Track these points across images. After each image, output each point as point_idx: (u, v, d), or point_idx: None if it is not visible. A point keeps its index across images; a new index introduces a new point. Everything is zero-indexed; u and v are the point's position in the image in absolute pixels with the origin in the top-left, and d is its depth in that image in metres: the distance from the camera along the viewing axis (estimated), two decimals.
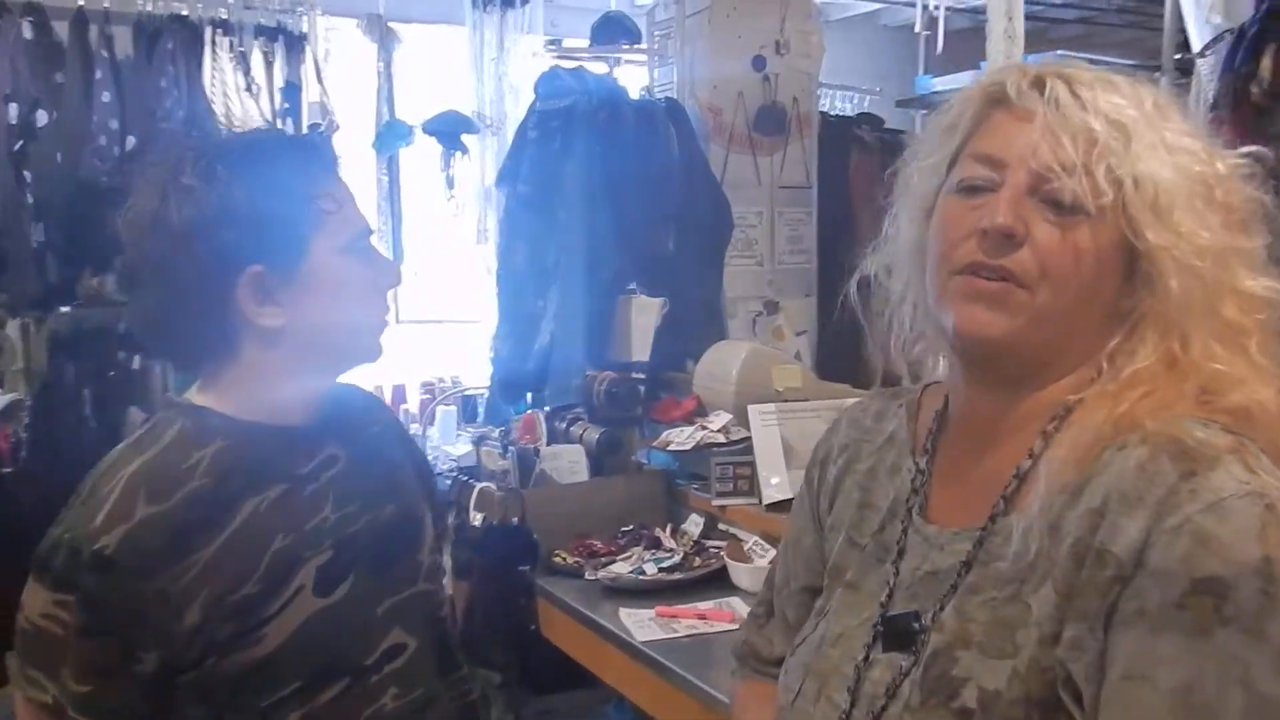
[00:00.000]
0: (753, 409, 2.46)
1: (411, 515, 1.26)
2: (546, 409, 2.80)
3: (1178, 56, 3.91)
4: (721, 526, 2.47)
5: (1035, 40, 5.29)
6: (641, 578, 2.22)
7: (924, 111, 3.88)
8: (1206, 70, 3.11)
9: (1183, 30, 4.31)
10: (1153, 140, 0.80)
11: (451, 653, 1.28)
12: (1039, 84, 0.83)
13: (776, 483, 2.40)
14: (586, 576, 2.25)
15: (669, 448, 2.50)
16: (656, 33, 3.28)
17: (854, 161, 3.38)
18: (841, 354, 3.24)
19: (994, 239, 0.81)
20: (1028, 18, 5.14)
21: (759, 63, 3.13)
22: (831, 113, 3.60)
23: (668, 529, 2.45)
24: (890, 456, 0.98)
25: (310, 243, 1.11)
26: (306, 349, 1.14)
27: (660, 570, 2.24)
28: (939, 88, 4.54)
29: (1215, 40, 3.08)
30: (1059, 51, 4.15)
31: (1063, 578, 0.77)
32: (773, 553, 2.26)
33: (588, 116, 2.81)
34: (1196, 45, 3.18)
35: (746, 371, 2.59)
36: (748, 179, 3.16)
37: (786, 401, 2.53)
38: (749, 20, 3.12)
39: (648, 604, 2.13)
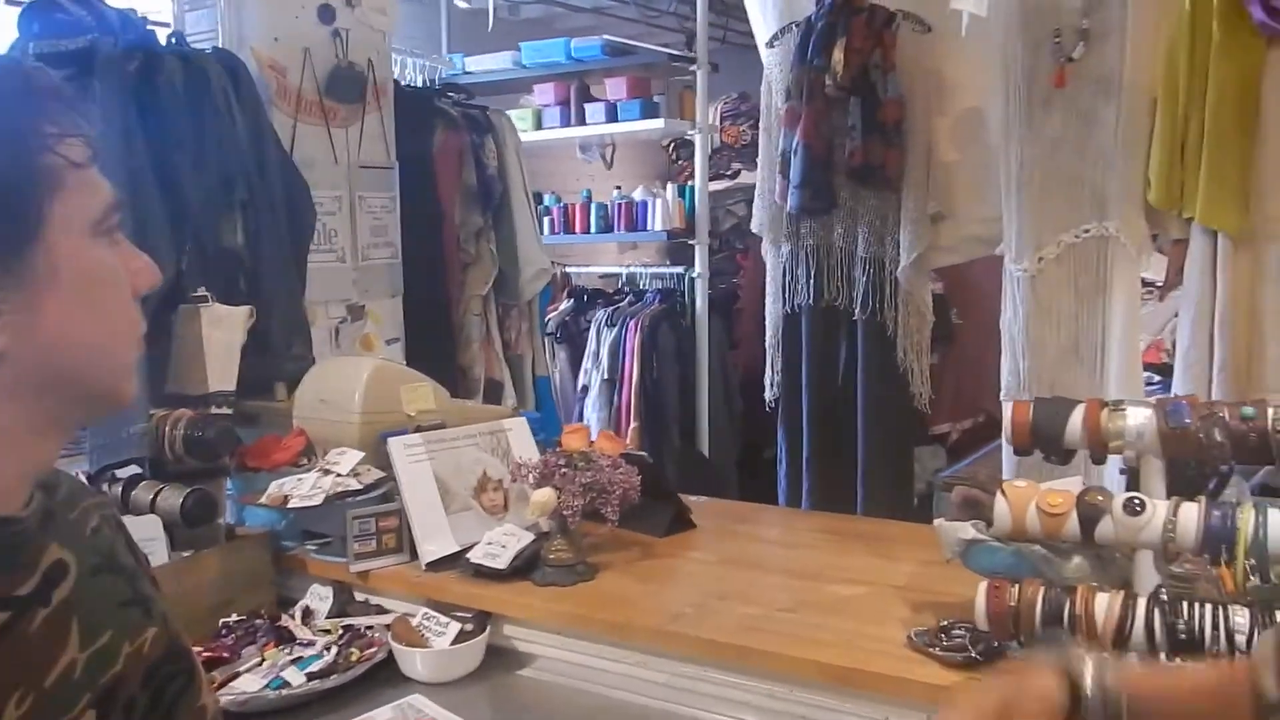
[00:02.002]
0: (395, 442, 1.96)
1: (177, 641, 0.89)
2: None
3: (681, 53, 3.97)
4: (362, 598, 1.94)
5: (540, 29, 5.20)
6: (287, 691, 1.63)
7: (463, 95, 3.45)
8: (775, 61, 3.14)
9: (720, 25, 4.43)
10: None
11: None
12: None
13: (437, 534, 1.93)
14: None
15: (290, 504, 1.90)
16: None
17: (438, 139, 2.93)
18: (433, 364, 2.81)
19: None
20: (536, 3, 5.04)
21: (326, 14, 2.56)
22: (404, 82, 3.10)
23: (297, 613, 1.86)
24: None
25: (46, 216, 0.73)
26: (35, 387, 0.75)
27: (310, 676, 1.66)
28: (473, 68, 4.23)
29: (783, 32, 3.11)
30: (592, 38, 4.05)
31: None
32: (455, 627, 1.81)
33: (113, 66, 2.05)
34: (763, 36, 3.20)
35: (372, 395, 2.08)
36: (322, 156, 2.58)
37: (424, 429, 2.06)
38: None
39: None
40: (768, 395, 3.24)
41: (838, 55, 2.95)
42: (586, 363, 3.99)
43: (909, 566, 1.88)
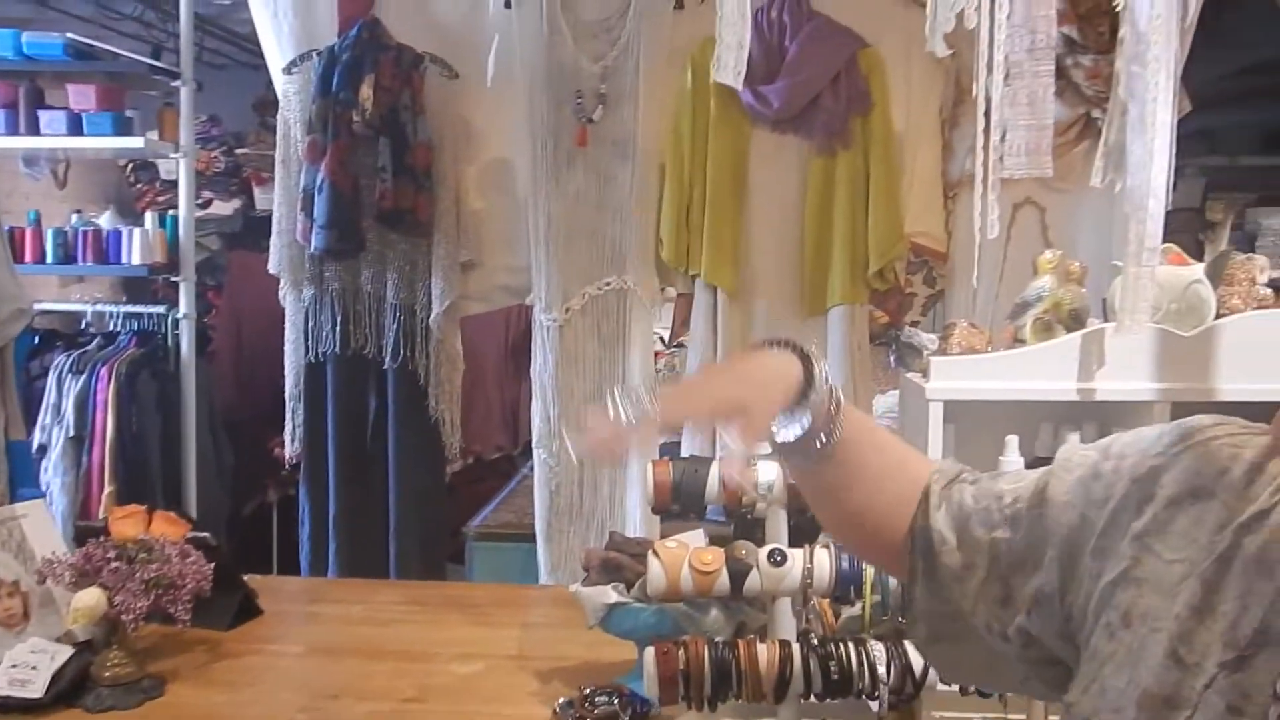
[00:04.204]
0: None
1: None
2: None
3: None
4: None
5: None
6: None
7: None
8: (293, 89, 2.91)
9: (202, 44, 4.02)
10: None
11: None
12: None
13: None
14: None
15: None
16: None
17: None
18: None
19: None
20: None
21: None
22: None
23: None
24: (1258, 541, 0.64)
25: None
26: None
27: None
28: None
29: (302, 59, 2.90)
30: (52, 35, 3.46)
31: None
32: None
33: None
34: (278, 61, 2.95)
35: None
36: None
37: None
38: None
39: None
40: (288, 451, 2.97)
41: (366, 92, 2.82)
42: (44, 417, 3.34)
43: (511, 631, 1.83)
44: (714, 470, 1.49)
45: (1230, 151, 4.87)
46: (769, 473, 1.49)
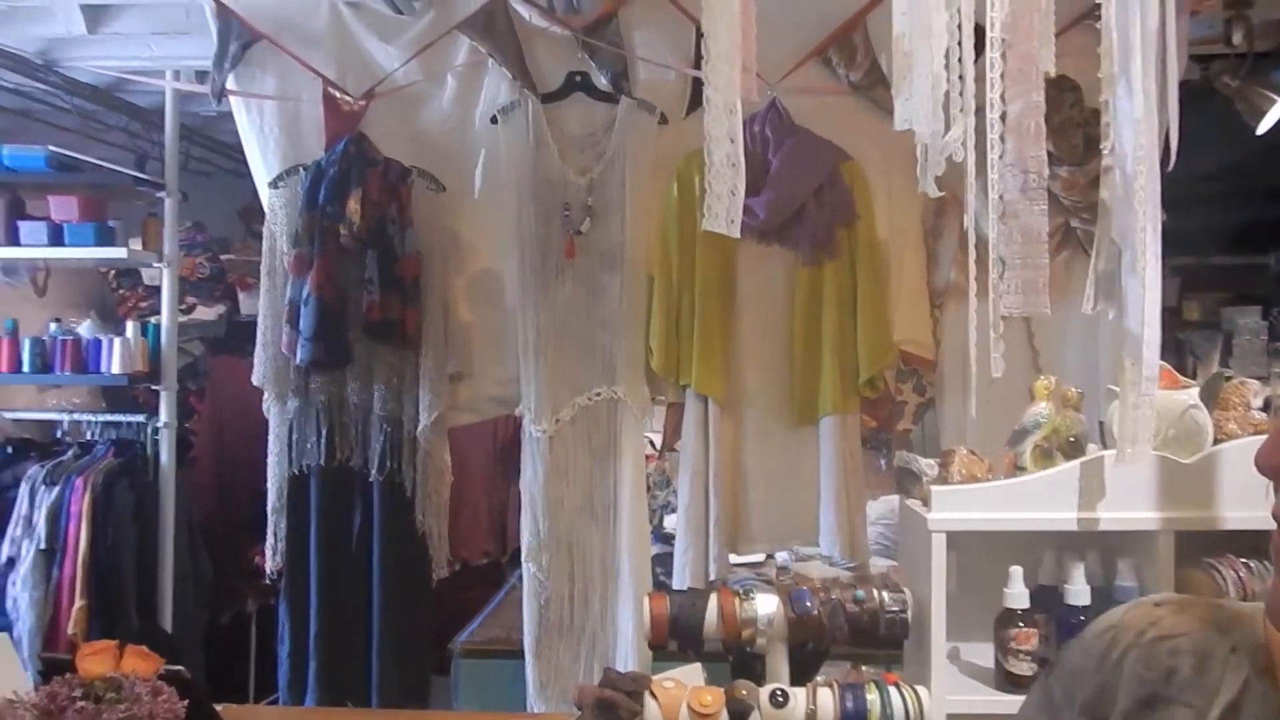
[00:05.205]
0: None
1: None
2: None
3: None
4: None
5: None
6: None
7: None
8: (280, 203, 2.92)
9: (188, 153, 4.06)
10: None
11: None
12: None
13: None
14: None
15: None
16: None
17: None
18: None
19: None
20: None
21: None
22: None
23: None
24: None
25: None
26: None
27: None
28: None
29: (288, 173, 2.92)
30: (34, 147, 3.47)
31: None
32: None
33: None
34: (264, 175, 2.97)
35: None
36: None
37: None
38: None
39: None
40: (269, 566, 2.90)
41: (353, 205, 2.82)
42: (14, 529, 3.27)
43: None
44: (712, 604, 1.46)
45: (1201, 252, 4.96)
46: (768, 606, 1.46)
